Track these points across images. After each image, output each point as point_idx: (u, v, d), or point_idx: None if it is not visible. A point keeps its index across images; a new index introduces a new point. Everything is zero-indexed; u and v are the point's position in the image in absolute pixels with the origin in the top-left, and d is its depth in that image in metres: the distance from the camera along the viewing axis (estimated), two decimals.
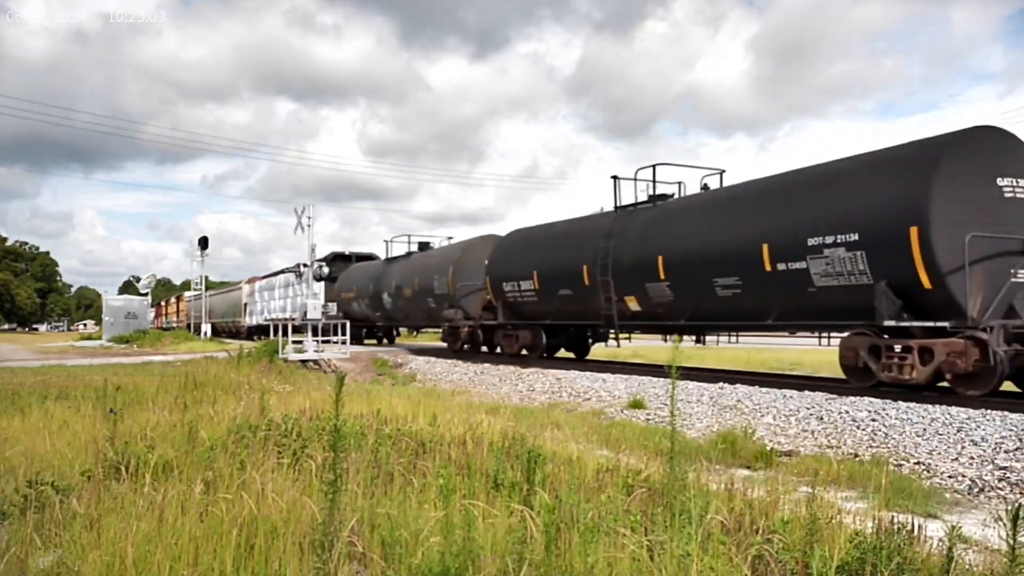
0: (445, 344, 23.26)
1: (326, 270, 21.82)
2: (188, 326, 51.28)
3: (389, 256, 27.97)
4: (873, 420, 8.49)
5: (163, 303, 73.48)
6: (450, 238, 25.30)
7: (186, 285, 67.00)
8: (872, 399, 9.48)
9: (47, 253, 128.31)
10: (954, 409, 8.51)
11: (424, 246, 25.94)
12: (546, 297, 17.29)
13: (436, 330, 26.49)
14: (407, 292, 24.24)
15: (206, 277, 49.15)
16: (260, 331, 35.90)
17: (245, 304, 42.31)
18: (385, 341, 33.04)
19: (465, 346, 21.76)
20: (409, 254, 26.28)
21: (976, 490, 6.31)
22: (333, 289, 29.68)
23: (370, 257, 32.82)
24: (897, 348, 9.88)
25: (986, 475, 6.53)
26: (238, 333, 43.49)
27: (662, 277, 13.61)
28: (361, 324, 29.23)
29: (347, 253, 33.49)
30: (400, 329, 32.48)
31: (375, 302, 27.16)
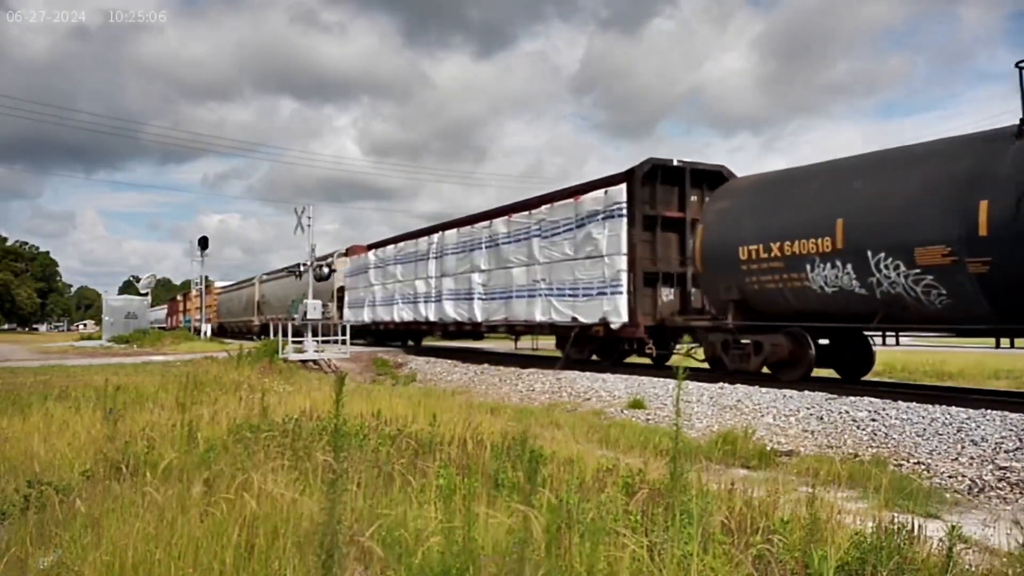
0: None
1: (326, 270, 21.20)
2: (219, 326, 44.21)
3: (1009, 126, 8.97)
4: (873, 420, 8.49)
5: (181, 297, 62.27)
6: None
7: (186, 285, 65.49)
8: (872, 399, 9.48)
9: (47, 253, 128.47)
10: (954, 409, 8.51)
11: None
12: None
13: None
14: None
15: (206, 277, 49.09)
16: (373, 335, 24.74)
17: (339, 289, 29.34)
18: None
19: None
20: None
21: (976, 490, 6.31)
22: (695, 242, 13.58)
23: (718, 173, 15.60)
24: None
25: (986, 475, 6.53)
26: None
27: None
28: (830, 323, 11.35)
29: (675, 164, 15.52)
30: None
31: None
